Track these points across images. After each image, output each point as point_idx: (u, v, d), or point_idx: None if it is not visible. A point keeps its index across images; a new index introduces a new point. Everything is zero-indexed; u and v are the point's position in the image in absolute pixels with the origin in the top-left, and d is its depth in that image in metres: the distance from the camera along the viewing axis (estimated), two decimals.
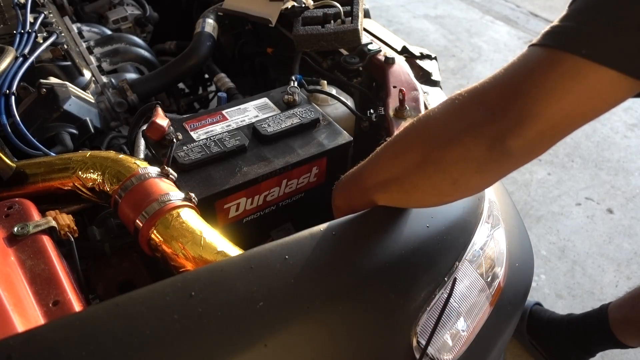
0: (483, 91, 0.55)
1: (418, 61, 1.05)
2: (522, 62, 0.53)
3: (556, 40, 0.50)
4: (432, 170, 0.59)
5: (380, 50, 1.05)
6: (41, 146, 0.85)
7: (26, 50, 0.99)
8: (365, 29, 1.08)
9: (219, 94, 1.14)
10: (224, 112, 0.87)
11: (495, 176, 0.58)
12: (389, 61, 1.01)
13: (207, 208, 0.73)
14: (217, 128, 0.84)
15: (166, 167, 0.71)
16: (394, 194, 0.65)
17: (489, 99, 0.53)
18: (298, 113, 0.87)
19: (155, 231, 0.64)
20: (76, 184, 0.72)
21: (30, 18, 1.09)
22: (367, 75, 1.08)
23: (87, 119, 0.94)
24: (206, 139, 0.81)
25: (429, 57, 1.07)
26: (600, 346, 1.28)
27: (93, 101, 1.00)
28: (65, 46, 1.05)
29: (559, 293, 1.58)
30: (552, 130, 0.51)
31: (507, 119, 0.52)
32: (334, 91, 1.01)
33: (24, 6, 1.11)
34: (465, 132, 0.54)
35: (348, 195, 0.69)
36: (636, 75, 0.46)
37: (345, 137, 0.85)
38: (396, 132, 0.65)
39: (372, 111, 0.93)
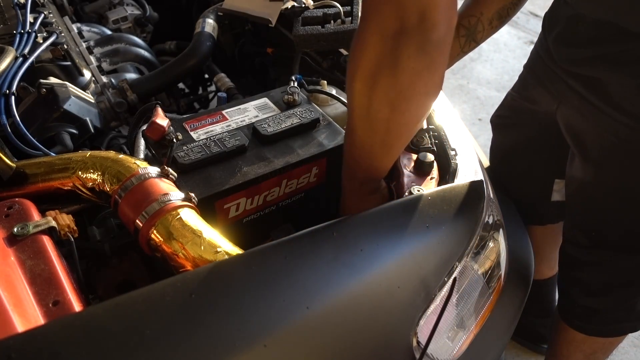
0: (378, 18, 0.57)
1: None
2: None
3: None
4: (404, 106, 0.62)
5: None
6: (41, 146, 0.85)
7: (26, 50, 0.99)
8: None
9: (219, 94, 1.14)
10: (224, 112, 0.87)
11: (447, 54, 0.61)
12: None
13: (207, 208, 0.73)
14: (217, 128, 0.84)
15: (166, 167, 0.71)
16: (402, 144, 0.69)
17: (387, 23, 0.56)
18: (298, 113, 0.87)
19: (155, 231, 0.64)
20: (76, 184, 0.72)
21: (30, 18, 1.09)
22: None
23: (87, 119, 0.94)
24: (206, 139, 0.81)
25: None
26: (533, 298, 1.29)
27: (93, 101, 1.00)
28: (65, 46, 1.05)
29: None
30: None
31: (415, 24, 0.55)
32: (334, 91, 1.01)
33: (24, 6, 1.11)
34: (400, 59, 0.58)
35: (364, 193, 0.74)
36: None
37: None
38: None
39: None
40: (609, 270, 1.03)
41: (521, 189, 1.26)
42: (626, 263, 1.00)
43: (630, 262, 1.00)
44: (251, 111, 0.88)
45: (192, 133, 0.82)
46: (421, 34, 0.56)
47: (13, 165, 0.72)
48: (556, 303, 1.36)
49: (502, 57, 2.90)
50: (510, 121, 1.24)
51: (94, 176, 0.70)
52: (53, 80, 0.94)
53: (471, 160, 0.83)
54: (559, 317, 1.18)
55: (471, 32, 0.94)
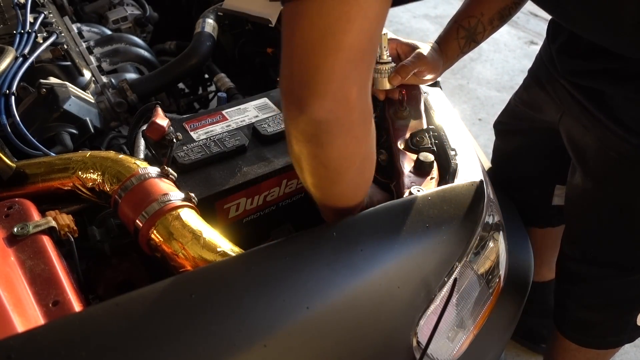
0: (282, 79, 0.54)
1: None
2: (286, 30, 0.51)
3: None
4: (302, 176, 0.61)
5: None
6: (41, 146, 0.85)
7: (26, 50, 0.99)
8: None
9: (219, 94, 1.14)
10: (224, 112, 0.87)
11: (347, 133, 0.55)
12: None
13: (207, 208, 0.73)
14: (217, 128, 0.84)
15: (166, 167, 0.71)
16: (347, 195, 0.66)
17: (284, 88, 0.53)
18: None
19: (155, 231, 0.64)
20: (76, 184, 0.72)
21: (30, 18, 1.09)
22: None
23: (87, 119, 0.94)
24: (206, 139, 0.81)
25: None
26: (534, 299, 1.29)
27: (93, 101, 1.00)
28: (65, 46, 1.05)
29: None
30: (347, 65, 0.50)
31: (297, 96, 0.51)
32: None
33: (24, 6, 1.11)
34: (290, 134, 0.56)
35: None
36: None
37: None
38: None
39: None
40: (605, 287, 1.02)
41: (522, 193, 1.25)
42: (622, 281, 0.99)
43: (626, 281, 0.98)
44: (251, 111, 0.88)
45: (192, 133, 0.82)
46: (300, 109, 0.51)
47: (13, 165, 0.72)
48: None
49: (502, 57, 2.90)
50: (513, 128, 1.22)
51: (94, 176, 0.70)
52: (53, 80, 0.94)
53: (471, 160, 0.82)
54: (554, 325, 1.18)
55: (471, 33, 0.93)
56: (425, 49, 0.90)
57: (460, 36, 0.93)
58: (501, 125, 1.27)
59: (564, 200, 1.19)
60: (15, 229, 0.60)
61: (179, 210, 0.65)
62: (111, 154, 0.73)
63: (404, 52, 0.92)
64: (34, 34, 1.03)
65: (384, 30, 1.04)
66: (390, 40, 0.93)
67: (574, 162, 1.00)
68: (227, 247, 0.63)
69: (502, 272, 0.82)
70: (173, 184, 0.70)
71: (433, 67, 0.90)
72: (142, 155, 0.84)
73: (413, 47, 0.91)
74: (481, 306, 0.76)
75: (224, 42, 1.33)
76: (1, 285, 0.53)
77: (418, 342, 0.64)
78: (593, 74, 0.88)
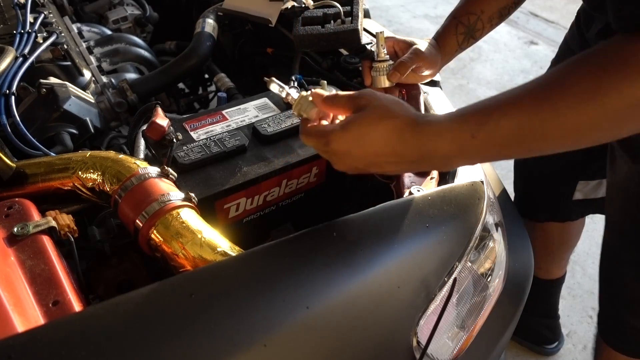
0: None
1: None
2: None
3: None
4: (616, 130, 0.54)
5: None
6: (41, 146, 0.85)
7: (26, 50, 0.98)
8: (365, 29, 1.08)
9: (219, 94, 1.14)
10: (224, 112, 0.87)
11: None
12: None
13: (207, 208, 0.73)
14: (217, 128, 0.84)
15: (166, 167, 0.71)
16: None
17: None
18: None
19: (155, 231, 0.64)
20: (76, 184, 0.72)
21: (30, 18, 1.09)
22: None
23: (87, 119, 0.94)
24: (206, 139, 0.81)
25: None
26: (538, 297, 1.25)
27: (93, 101, 1.00)
28: (65, 46, 1.05)
29: None
30: None
31: None
32: (333, 91, 1.01)
33: (24, 6, 1.11)
34: None
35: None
36: None
37: None
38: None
39: None
40: None
41: (545, 187, 1.23)
42: None
43: None
44: (251, 111, 0.88)
45: (192, 133, 0.82)
46: None
47: (13, 165, 0.72)
48: (560, 311, 1.30)
49: (502, 57, 2.90)
50: None
51: (94, 176, 0.70)
52: (53, 80, 0.94)
53: None
54: (602, 342, 1.09)
55: (470, 30, 0.92)
56: (422, 45, 0.90)
57: (459, 32, 0.92)
58: None
59: (585, 194, 1.17)
60: (15, 229, 0.60)
61: (179, 210, 0.65)
62: (111, 154, 0.73)
63: (401, 50, 0.92)
64: (34, 34, 1.03)
65: (381, 29, 1.04)
66: (387, 38, 0.93)
67: (614, 151, 0.95)
68: (227, 247, 0.63)
69: (502, 272, 0.82)
70: (173, 184, 0.70)
71: (431, 63, 0.90)
72: (142, 155, 0.84)
73: (410, 44, 0.91)
74: (481, 306, 0.76)
75: (224, 42, 1.33)
76: (1, 285, 0.53)
77: (418, 342, 0.64)
78: None
